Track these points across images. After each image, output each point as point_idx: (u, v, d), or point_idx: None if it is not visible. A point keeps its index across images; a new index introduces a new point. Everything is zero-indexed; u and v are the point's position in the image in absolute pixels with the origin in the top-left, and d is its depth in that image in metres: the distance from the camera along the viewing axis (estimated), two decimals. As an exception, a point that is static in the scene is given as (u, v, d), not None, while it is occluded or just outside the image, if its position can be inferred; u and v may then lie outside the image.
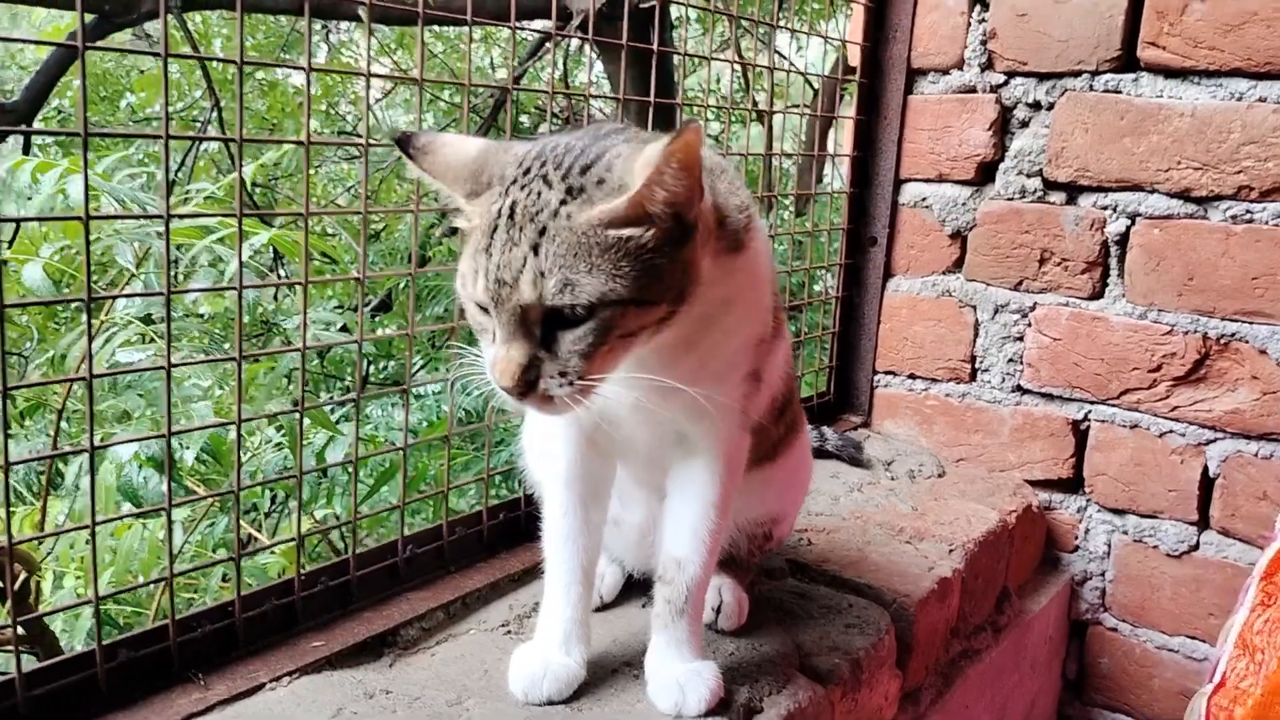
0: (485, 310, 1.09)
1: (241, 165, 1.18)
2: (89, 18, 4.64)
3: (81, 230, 1.07)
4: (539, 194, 1.06)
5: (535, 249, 1.04)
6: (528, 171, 1.09)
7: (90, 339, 1.08)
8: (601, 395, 1.12)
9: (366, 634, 1.43)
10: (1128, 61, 2.14)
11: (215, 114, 5.46)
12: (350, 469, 1.55)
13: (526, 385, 1.06)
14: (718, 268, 1.17)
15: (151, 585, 2.06)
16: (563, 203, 1.05)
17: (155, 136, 1.13)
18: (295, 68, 4.86)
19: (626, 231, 1.04)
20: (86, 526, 1.20)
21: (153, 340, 1.92)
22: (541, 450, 1.47)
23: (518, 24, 1.49)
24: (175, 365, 1.21)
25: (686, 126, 1.00)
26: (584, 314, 1.05)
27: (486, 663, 1.42)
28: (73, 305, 4.11)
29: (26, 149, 4.89)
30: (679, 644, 1.34)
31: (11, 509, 2.40)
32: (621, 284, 1.04)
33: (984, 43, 2.30)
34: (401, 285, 5.16)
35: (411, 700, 1.32)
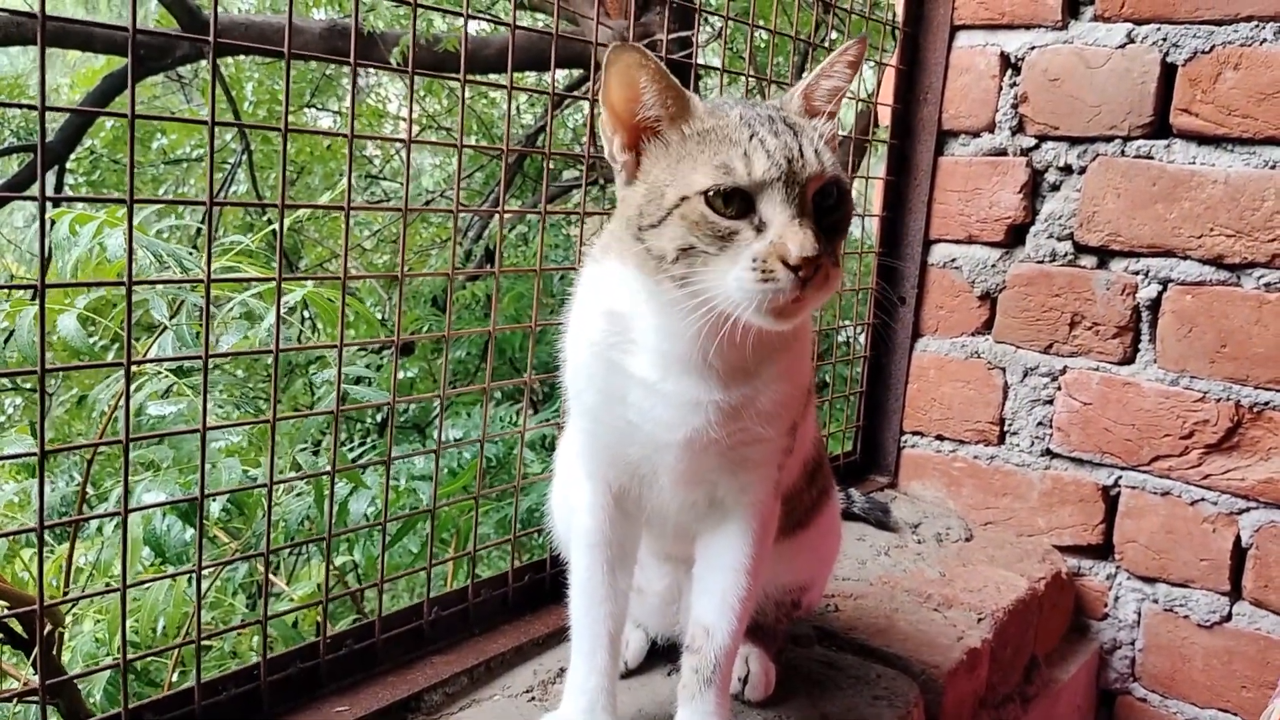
0: (741, 208, 1.10)
1: (282, 231, 1.19)
2: (122, 62, 4.71)
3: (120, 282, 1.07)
4: (758, 109, 1.17)
5: (800, 135, 1.14)
6: (729, 106, 1.19)
7: (129, 402, 1.08)
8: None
9: (391, 699, 1.42)
10: (1160, 127, 2.13)
11: (245, 156, 5.53)
12: (373, 520, 1.55)
13: (817, 264, 1.08)
14: None
15: (173, 648, 2.05)
16: (778, 109, 1.19)
17: (199, 203, 1.14)
18: (336, 135, 4.89)
19: (827, 125, 1.20)
20: (116, 590, 1.19)
21: (183, 393, 1.93)
22: (569, 510, 1.46)
23: (558, 93, 1.50)
24: (211, 428, 1.21)
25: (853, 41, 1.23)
26: (838, 197, 1.14)
27: (511, 731, 1.41)
28: (101, 343, 4.14)
29: (60, 185, 4.96)
30: (707, 715, 1.32)
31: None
32: (844, 174, 1.16)
33: (1015, 106, 2.30)
34: (424, 328, 5.18)
35: (436, 770, 1.30)
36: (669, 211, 1.12)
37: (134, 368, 1.99)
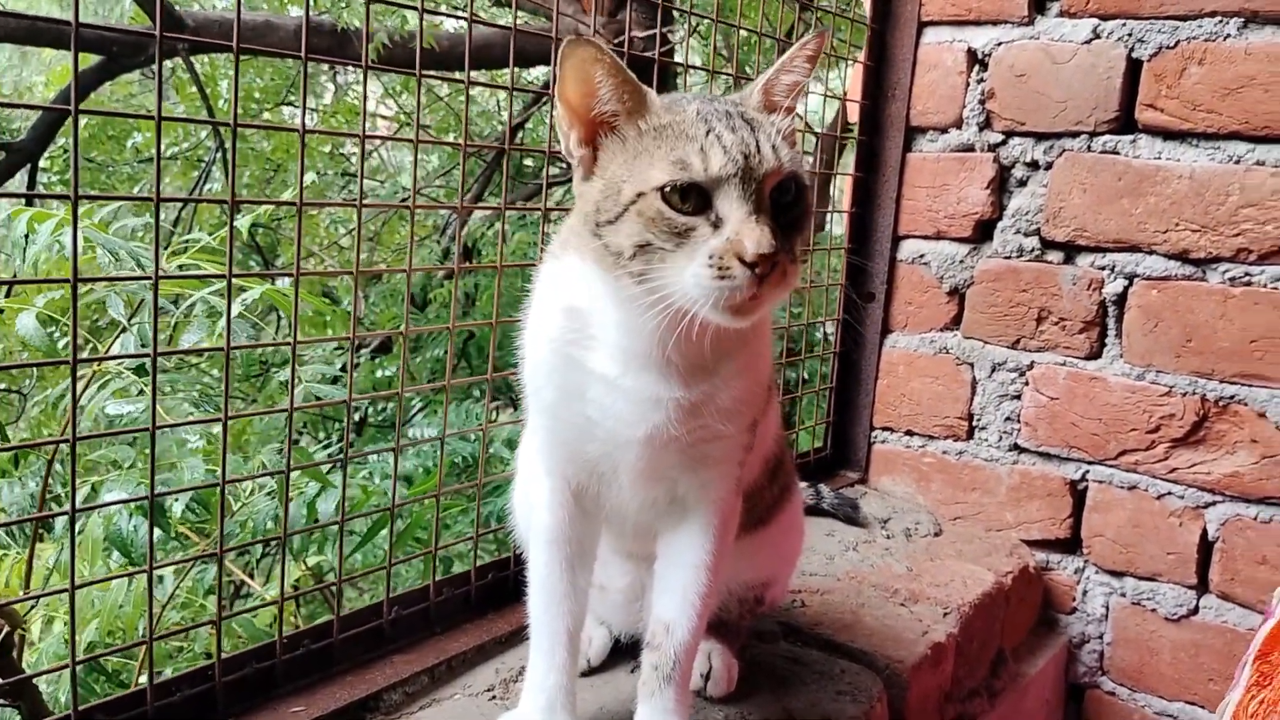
0: (698, 204, 1.09)
1: (233, 225, 1.18)
2: (96, 59, 4.68)
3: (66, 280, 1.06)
4: (716, 104, 1.17)
5: (757, 131, 1.13)
6: (687, 101, 1.18)
7: (75, 402, 1.07)
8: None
9: (349, 699, 1.41)
10: (1126, 123, 2.14)
11: (219, 154, 5.50)
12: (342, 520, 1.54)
13: (774, 261, 1.07)
14: None
15: (131, 647, 2.03)
16: (736, 104, 1.19)
17: (146, 199, 1.12)
18: (288, 130, 4.86)
19: (785, 121, 1.18)
20: (66, 590, 1.18)
21: (143, 392, 1.91)
22: (530, 507, 1.45)
23: (517, 87, 1.49)
24: (160, 427, 1.20)
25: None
26: (796, 193, 1.14)
27: (470, 730, 1.40)
28: (63, 344, 4.11)
29: (32, 182, 4.92)
30: (666, 713, 1.31)
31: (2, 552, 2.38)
32: (803, 169, 1.16)
33: (982, 102, 2.31)
34: (400, 327, 5.16)
35: (392, 769, 1.29)
36: (626, 208, 1.11)
37: (95, 366, 1.98)
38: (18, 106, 5.60)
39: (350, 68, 6.98)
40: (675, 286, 1.09)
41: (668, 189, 1.08)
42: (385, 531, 2.65)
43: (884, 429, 2.52)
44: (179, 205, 4.72)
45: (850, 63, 2.54)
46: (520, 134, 6.17)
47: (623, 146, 1.15)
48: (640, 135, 1.14)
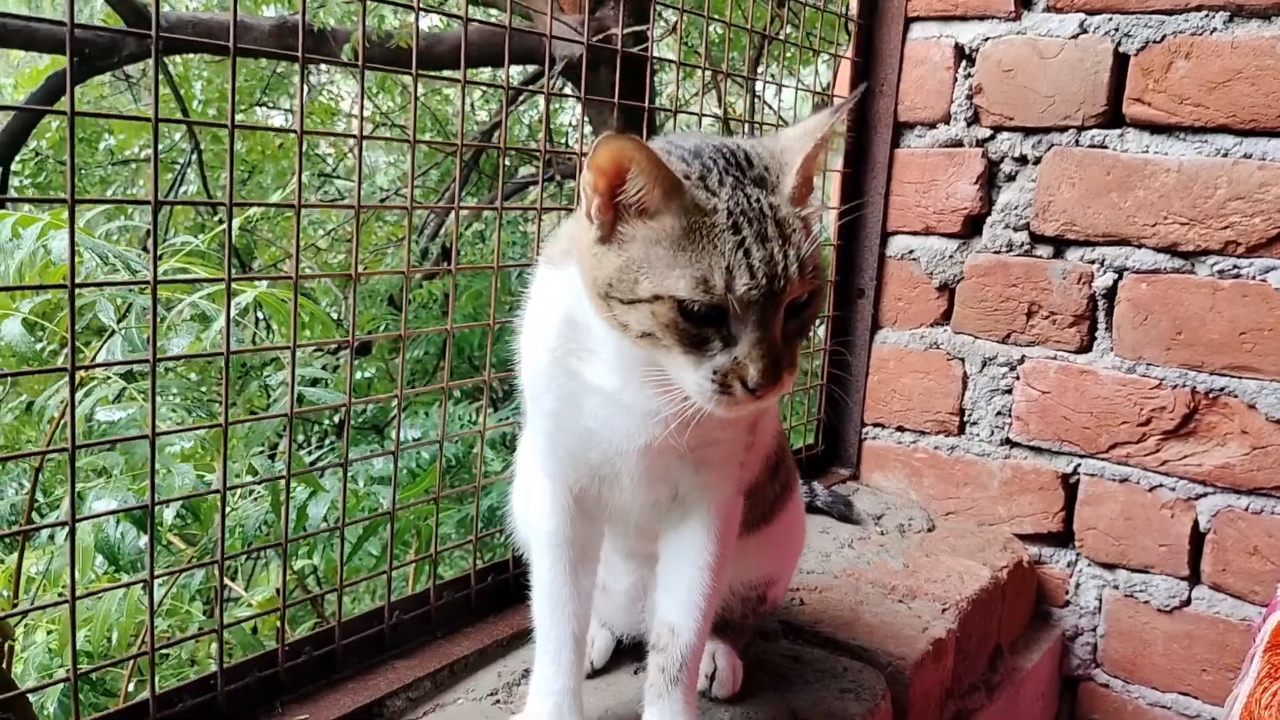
0: (714, 318, 1.06)
1: (231, 229, 1.16)
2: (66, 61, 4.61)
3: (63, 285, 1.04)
4: (743, 188, 1.10)
5: (787, 242, 1.08)
6: (720, 179, 1.10)
7: (74, 410, 1.05)
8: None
9: (352, 705, 1.40)
10: (1114, 117, 2.15)
11: (195, 156, 5.44)
12: (333, 524, 1.52)
13: (779, 376, 1.07)
14: None
15: (129, 648, 2.00)
16: (768, 194, 1.11)
17: (144, 203, 1.10)
18: (286, 131, 4.82)
19: (808, 211, 1.13)
20: (65, 602, 1.16)
21: (133, 398, 1.88)
22: (530, 511, 1.44)
23: (512, 85, 1.48)
24: (160, 434, 1.18)
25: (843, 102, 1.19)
26: (809, 297, 1.11)
27: (476, 735, 1.39)
28: (51, 348, 4.06)
29: (4, 185, 4.85)
30: (674, 715, 1.30)
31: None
32: (823, 272, 1.13)
33: (970, 97, 2.31)
34: (382, 327, 5.13)
35: (400, 777, 1.28)
36: (640, 300, 1.08)
37: (83, 373, 1.95)
38: (13, 109, 5.49)
39: (325, 70, 6.93)
40: (675, 377, 1.11)
41: (686, 304, 1.06)
42: (376, 537, 2.63)
43: (875, 425, 2.53)
44: (154, 209, 4.66)
45: (827, 59, 2.53)
46: (494, 135, 6.14)
47: (647, 229, 1.09)
48: (666, 228, 1.08)
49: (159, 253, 1.93)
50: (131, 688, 2.26)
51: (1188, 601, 2.15)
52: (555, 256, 1.26)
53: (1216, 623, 2.11)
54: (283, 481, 1.39)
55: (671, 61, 2.46)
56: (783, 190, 1.12)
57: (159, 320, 1.99)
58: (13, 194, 5.30)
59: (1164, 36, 2.07)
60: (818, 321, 1.56)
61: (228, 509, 2.39)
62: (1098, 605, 2.26)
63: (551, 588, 1.33)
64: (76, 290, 1.07)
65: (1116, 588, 2.22)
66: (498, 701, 1.48)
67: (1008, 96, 2.26)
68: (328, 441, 4.89)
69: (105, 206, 2.63)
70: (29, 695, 1.99)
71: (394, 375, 5.07)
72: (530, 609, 1.36)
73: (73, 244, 1.03)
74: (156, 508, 2.11)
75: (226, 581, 2.95)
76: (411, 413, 4.85)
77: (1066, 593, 2.29)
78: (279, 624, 1.41)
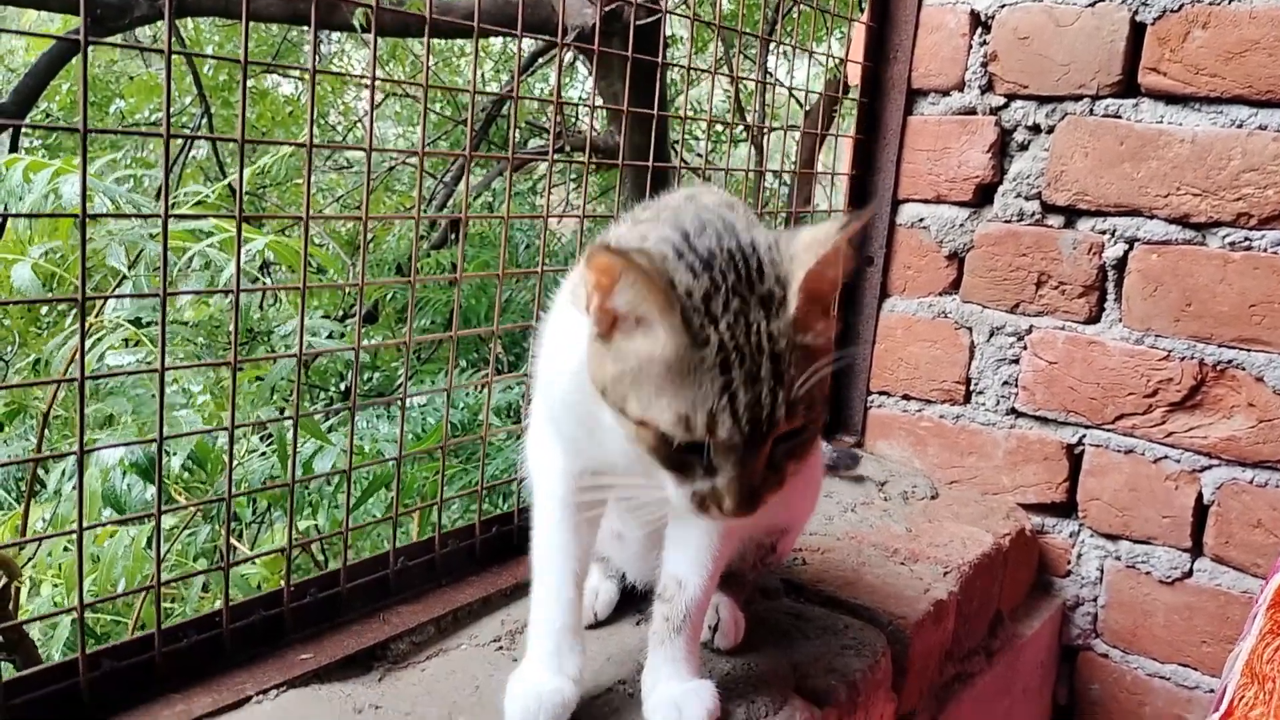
0: (694, 448, 1.04)
1: (243, 167, 1.16)
2: (80, 21, 4.61)
3: (72, 231, 1.04)
4: (747, 313, 1.03)
5: (782, 381, 1.02)
6: (724, 303, 1.03)
7: (83, 339, 1.05)
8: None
9: (356, 647, 1.40)
10: (1128, 86, 2.14)
11: (205, 119, 5.44)
12: (337, 479, 1.53)
13: (754, 506, 1.06)
14: None
15: (133, 594, 2.02)
16: (772, 318, 1.03)
17: (156, 134, 1.10)
18: (298, 67, 4.83)
19: (811, 336, 1.05)
20: (72, 532, 1.17)
21: (140, 344, 1.89)
22: (541, 461, 1.43)
23: (523, 33, 1.48)
24: (169, 368, 1.19)
25: (854, 217, 1.05)
26: (801, 427, 1.06)
27: (478, 679, 1.39)
28: (58, 309, 4.06)
29: (15, 146, 4.86)
30: (676, 662, 1.31)
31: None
32: (819, 390, 1.05)
33: (985, 65, 2.30)
34: (389, 296, 5.14)
35: (401, 716, 1.29)
36: (628, 415, 1.06)
37: (93, 321, 1.95)
38: (31, 35, 5.46)
39: (336, 38, 6.92)
40: (660, 483, 1.10)
41: (668, 436, 1.04)
42: (379, 494, 2.64)
43: (881, 393, 2.53)
44: (163, 167, 4.67)
45: (839, 31, 2.52)
46: (505, 105, 6.13)
47: (641, 344, 1.05)
48: (659, 351, 1.03)
49: (167, 184, 1.94)
50: (140, 634, 2.28)
51: (1189, 573, 2.15)
52: (577, 297, 1.19)
53: (1218, 595, 2.12)
54: (290, 426, 1.40)
55: (687, 15, 2.45)
56: (786, 314, 1.04)
57: (171, 269, 2.00)
58: (24, 153, 5.30)
59: (1181, 5, 2.06)
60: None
61: (236, 464, 2.41)
62: (1099, 576, 2.26)
63: (555, 533, 1.33)
64: (88, 224, 1.08)
65: (1118, 559, 2.23)
66: (501, 648, 1.49)
67: (1023, 64, 2.25)
68: (333, 409, 4.91)
69: (112, 162, 2.63)
70: (33, 641, 2.01)
71: (400, 348, 5.09)
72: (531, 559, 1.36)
73: (84, 170, 1.03)
74: (164, 458, 2.13)
75: (232, 542, 2.96)
76: (418, 381, 4.87)
77: (1068, 563, 2.30)
78: (287, 564, 1.41)
